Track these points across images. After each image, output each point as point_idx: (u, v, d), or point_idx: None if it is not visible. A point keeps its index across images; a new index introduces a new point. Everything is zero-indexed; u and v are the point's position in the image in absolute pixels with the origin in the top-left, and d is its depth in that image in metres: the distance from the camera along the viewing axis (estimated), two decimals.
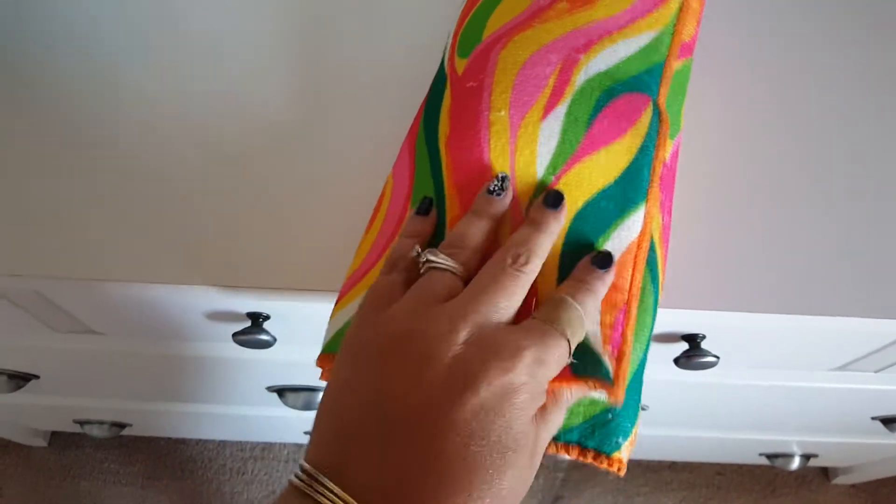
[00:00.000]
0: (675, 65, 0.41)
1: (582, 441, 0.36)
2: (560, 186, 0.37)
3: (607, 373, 0.34)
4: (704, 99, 0.49)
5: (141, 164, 0.47)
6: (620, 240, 0.37)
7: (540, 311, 0.33)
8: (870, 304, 0.43)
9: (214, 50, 0.51)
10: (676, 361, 0.50)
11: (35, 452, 1.07)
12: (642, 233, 0.37)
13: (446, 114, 0.40)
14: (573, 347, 0.33)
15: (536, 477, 1.09)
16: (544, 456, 0.33)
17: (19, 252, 0.44)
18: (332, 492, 0.27)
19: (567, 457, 0.37)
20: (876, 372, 0.59)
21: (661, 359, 0.54)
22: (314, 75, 0.50)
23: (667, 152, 0.39)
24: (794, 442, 0.85)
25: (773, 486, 1.07)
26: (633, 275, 0.36)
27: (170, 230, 0.45)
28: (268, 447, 1.10)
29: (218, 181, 0.47)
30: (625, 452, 0.36)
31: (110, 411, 0.86)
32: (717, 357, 0.49)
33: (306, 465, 0.28)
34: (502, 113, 0.38)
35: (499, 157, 0.38)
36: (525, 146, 0.38)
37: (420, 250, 0.35)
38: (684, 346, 0.50)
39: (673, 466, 1.08)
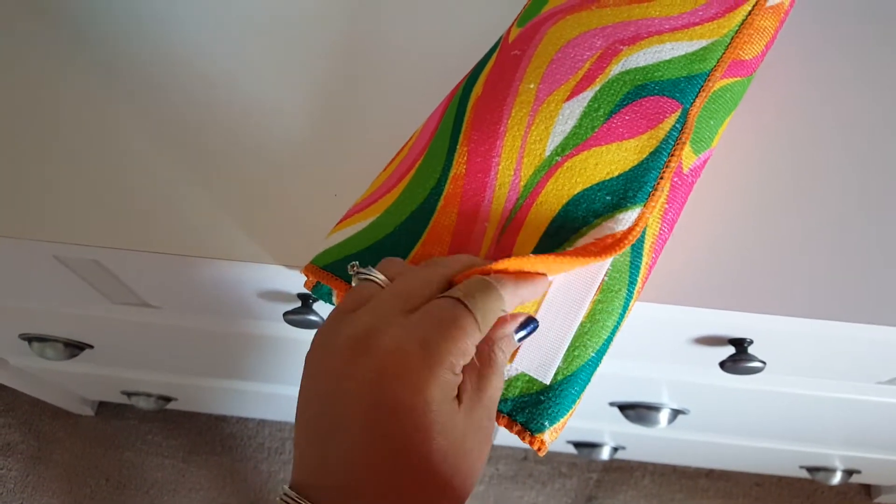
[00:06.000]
0: (722, 80, 0.41)
1: (512, 413, 0.37)
2: (563, 169, 0.38)
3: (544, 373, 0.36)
4: (761, 101, 0.48)
5: (207, 139, 0.48)
6: (603, 229, 0.37)
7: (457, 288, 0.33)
8: None
9: (280, 30, 0.53)
10: (722, 365, 0.49)
11: (83, 421, 1.11)
12: (629, 230, 0.36)
13: (485, 75, 0.41)
14: (481, 320, 0.31)
15: (569, 476, 1.09)
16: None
17: (79, 220, 0.46)
18: None
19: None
20: None
21: (706, 362, 0.53)
22: (369, 52, 0.51)
23: (685, 163, 0.39)
24: (837, 456, 0.83)
25: (812, 500, 1.05)
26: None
27: (226, 206, 0.46)
28: None
29: (281, 160, 0.48)
30: (548, 435, 0.37)
31: (158, 384, 0.88)
32: (764, 363, 0.48)
33: (289, 492, 0.29)
34: (531, 86, 0.39)
35: (514, 127, 0.38)
36: (541, 122, 0.38)
37: (356, 263, 0.35)
38: (731, 349, 0.50)
39: (710, 474, 1.07)
